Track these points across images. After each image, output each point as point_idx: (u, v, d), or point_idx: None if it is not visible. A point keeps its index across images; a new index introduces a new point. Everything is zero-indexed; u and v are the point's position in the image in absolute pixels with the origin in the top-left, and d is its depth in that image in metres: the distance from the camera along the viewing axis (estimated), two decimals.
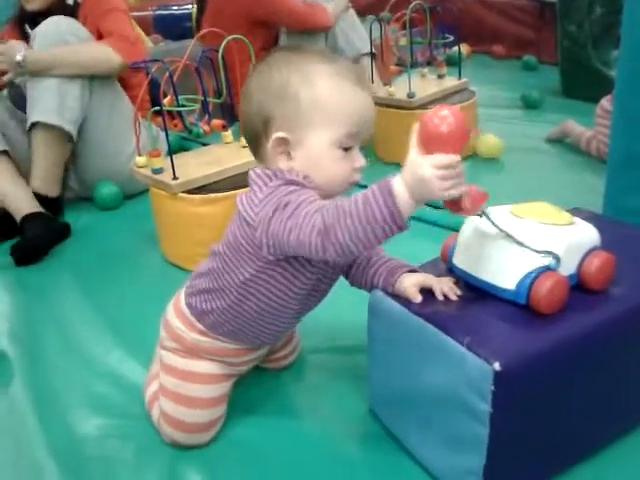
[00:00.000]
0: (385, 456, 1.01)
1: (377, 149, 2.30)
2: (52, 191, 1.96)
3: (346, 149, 0.92)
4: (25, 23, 2.07)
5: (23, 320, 1.50)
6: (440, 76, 2.31)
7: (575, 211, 1.18)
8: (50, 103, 1.87)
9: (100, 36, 2.01)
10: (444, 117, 0.77)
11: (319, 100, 0.90)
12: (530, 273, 0.86)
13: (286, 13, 2.45)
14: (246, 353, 1.08)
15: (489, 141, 2.18)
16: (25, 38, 2.03)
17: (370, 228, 0.81)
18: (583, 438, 0.93)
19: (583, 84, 2.68)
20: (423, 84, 2.26)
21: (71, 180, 2.12)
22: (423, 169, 0.78)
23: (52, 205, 1.94)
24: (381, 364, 1.03)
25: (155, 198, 1.63)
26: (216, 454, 1.05)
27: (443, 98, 2.19)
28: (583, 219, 1.13)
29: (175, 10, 4.04)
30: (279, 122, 0.92)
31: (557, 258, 0.86)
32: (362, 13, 3.10)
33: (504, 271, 0.88)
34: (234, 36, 1.54)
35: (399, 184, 0.80)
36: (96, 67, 1.92)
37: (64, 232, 1.88)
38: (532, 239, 0.87)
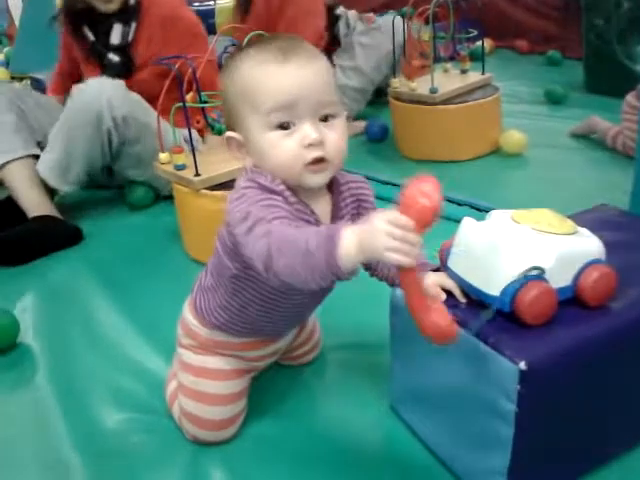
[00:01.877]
0: (407, 454, 1.01)
1: (399, 145, 2.29)
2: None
3: (284, 127, 0.87)
4: (81, 24, 2.01)
5: (48, 315, 1.51)
6: (463, 71, 2.29)
7: (601, 208, 1.17)
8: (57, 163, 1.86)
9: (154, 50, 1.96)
10: (424, 193, 0.71)
11: (240, 91, 0.90)
12: (515, 281, 0.84)
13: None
14: (261, 346, 1.07)
15: (513, 137, 2.16)
16: (83, 41, 2.01)
17: (309, 271, 0.77)
18: (609, 439, 0.92)
19: (608, 79, 2.64)
20: (446, 79, 2.24)
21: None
22: (376, 220, 0.73)
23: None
24: (403, 362, 1.02)
25: (178, 194, 1.64)
26: (237, 450, 1.05)
27: (466, 93, 2.17)
28: (609, 216, 1.12)
29: (198, 6, 4.05)
30: (228, 123, 0.95)
31: (539, 269, 0.83)
32: (376, 10, 3.09)
33: (491, 278, 0.86)
34: (257, 32, 1.53)
35: (349, 233, 0.75)
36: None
37: (72, 237, 1.84)
38: (522, 246, 0.85)
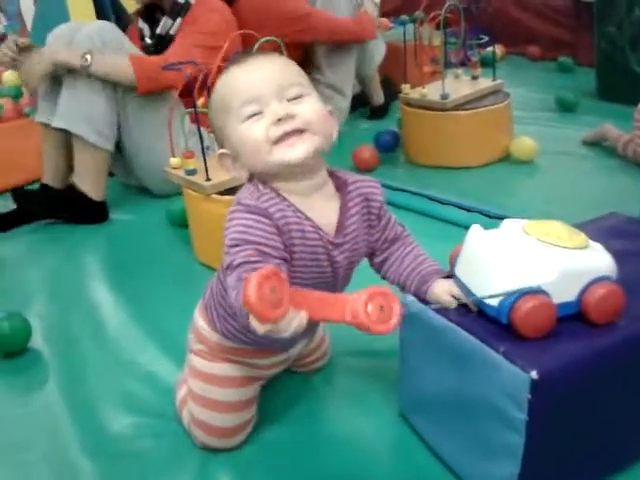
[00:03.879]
0: (416, 462, 1.01)
1: (409, 151, 2.29)
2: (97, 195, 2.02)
3: (255, 116, 0.90)
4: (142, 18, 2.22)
5: (57, 319, 1.52)
6: (474, 77, 2.29)
7: (611, 216, 1.16)
8: (81, 114, 1.93)
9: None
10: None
11: (216, 105, 0.94)
12: (513, 293, 0.83)
13: (326, 36, 2.46)
14: (270, 354, 1.08)
15: (523, 143, 2.15)
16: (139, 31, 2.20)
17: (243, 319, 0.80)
18: (619, 449, 0.92)
19: (620, 86, 2.63)
20: (457, 85, 2.24)
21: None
22: None
23: (95, 208, 2.02)
24: (413, 369, 1.02)
25: (188, 199, 1.65)
26: (247, 457, 1.05)
27: (477, 99, 2.17)
28: (619, 225, 1.11)
29: None
30: (219, 145, 0.98)
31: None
32: (388, 15, 3.10)
33: (491, 288, 0.85)
34: (268, 38, 1.54)
35: None
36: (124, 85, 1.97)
37: (96, 215, 2.01)
38: (524, 258, 0.84)
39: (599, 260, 0.87)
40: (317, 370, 1.23)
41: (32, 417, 1.20)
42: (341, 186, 0.97)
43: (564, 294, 0.84)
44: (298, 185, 0.92)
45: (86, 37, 1.93)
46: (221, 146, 0.97)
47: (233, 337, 1.02)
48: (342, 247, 0.95)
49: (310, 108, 0.90)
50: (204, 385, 1.05)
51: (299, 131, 0.88)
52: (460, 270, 0.93)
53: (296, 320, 0.75)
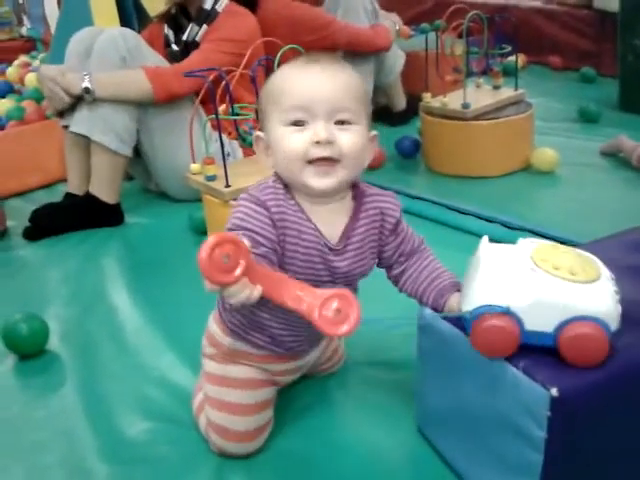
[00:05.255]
0: (432, 476, 1.00)
1: (429, 160, 2.28)
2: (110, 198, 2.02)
3: (299, 125, 0.91)
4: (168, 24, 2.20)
5: (75, 322, 1.52)
6: (496, 87, 2.28)
7: (635, 231, 1.15)
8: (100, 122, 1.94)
9: None
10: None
11: (270, 91, 0.95)
12: (478, 308, 0.83)
13: (345, 45, 2.47)
14: (284, 360, 1.07)
15: (544, 154, 2.14)
16: (164, 38, 2.19)
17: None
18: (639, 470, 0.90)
19: None
20: (478, 95, 2.23)
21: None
22: None
23: (110, 211, 2.02)
24: (429, 382, 1.01)
25: (208, 205, 1.65)
26: (261, 464, 1.05)
27: (498, 109, 2.16)
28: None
29: None
30: (260, 126, 1.00)
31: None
32: (407, 23, 3.09)
33: (469, 300, 0.86)
34: (291, 46, 1.54)
35: None
36: (135, 97, 1.97)
37: (111, 218, 2.02)
38: (510, 278, 0.83)
39: (593, 299, 0.81)
40: (332, 374, 1.24)
41: (48, 419, 1.20)
42: (358, 196, 0.99)
43: (537, 323, 0.82)
44: (314, 198, 0.95)
45: (111, 44, 1.94)
46: (262, 127, 0.98)
47: (248, 341, 1.03)
48: (343, 255, 0.97)
49: (351, 140, 0.91)
50: (219, 388, 1.06)
51: (333, 160, 0.90)
52: (464, 280, 0.94)
53: (246, 291, 0.80)
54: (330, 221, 0.97)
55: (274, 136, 0.93)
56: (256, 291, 0.80)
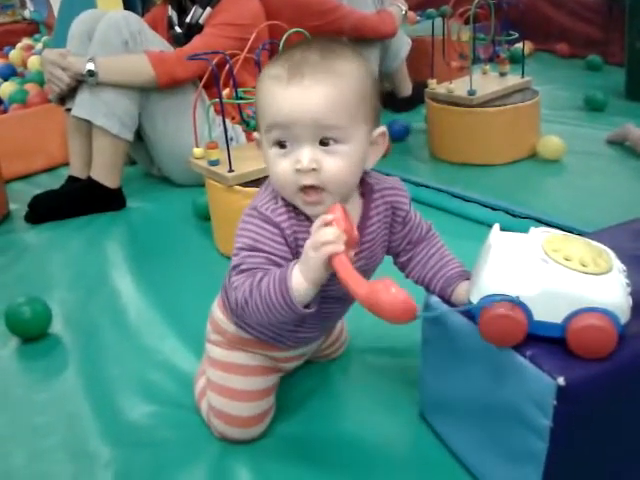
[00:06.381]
0: (434, 462, 0.99)
1: (434, 147, 2.27)
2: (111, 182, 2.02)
3: (282, 145, 0.85)
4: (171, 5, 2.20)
5: (78, 306, 1.52)
6: (502, 74, 2.26)
7: (638, 220, 1.13)
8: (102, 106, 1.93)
9: None
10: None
11: (257, 97, 0.88)
12: (487, 297, 0.82)
13: (350, 30, 2.46)
14: (289, 349, 1.07)
15: (550, 142, 2.12)
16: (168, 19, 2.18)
17: (271, 314, 0.86)
18: None
19: None
20: (484, 81, 2.21)
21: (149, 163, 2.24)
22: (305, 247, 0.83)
23: (112, 196, 2.02)
24: (434, 369, 1.01)
25: (211, 190, 1.64)
26: (264, 449, 1.05)
27: (505, 96, 2.14)
28: None
29: None
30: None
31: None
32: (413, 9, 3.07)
33: (479, 288, 0.84)
34: (296, 29, 1.52)
35: (295, 270, 0.84)
36: (138, 83, 1.96)
37: (112, 202, 2.02)
38: (520, 268, 0.82)
39: (600, 290, 0.79)
40: (335, 360, 1.23)
41: (51, 402, 1.20)
42: (367, 193, 0.95)
43: (546, 314, 0.81)
44: None
45: (113, 28, 1.93)
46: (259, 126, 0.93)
47: (254, 331, 1.02)
48: (358, 255, 0.93)
49: (336, 166, 0.84)
50: (223, 374, 1.05)
51: (319, 188, 0.85)
52: (473, 268, 0.92)
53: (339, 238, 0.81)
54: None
55: (264, 152, 0.89)
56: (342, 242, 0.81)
